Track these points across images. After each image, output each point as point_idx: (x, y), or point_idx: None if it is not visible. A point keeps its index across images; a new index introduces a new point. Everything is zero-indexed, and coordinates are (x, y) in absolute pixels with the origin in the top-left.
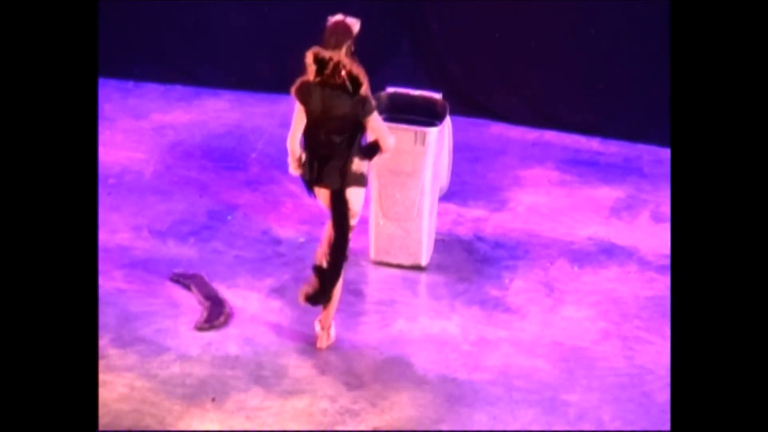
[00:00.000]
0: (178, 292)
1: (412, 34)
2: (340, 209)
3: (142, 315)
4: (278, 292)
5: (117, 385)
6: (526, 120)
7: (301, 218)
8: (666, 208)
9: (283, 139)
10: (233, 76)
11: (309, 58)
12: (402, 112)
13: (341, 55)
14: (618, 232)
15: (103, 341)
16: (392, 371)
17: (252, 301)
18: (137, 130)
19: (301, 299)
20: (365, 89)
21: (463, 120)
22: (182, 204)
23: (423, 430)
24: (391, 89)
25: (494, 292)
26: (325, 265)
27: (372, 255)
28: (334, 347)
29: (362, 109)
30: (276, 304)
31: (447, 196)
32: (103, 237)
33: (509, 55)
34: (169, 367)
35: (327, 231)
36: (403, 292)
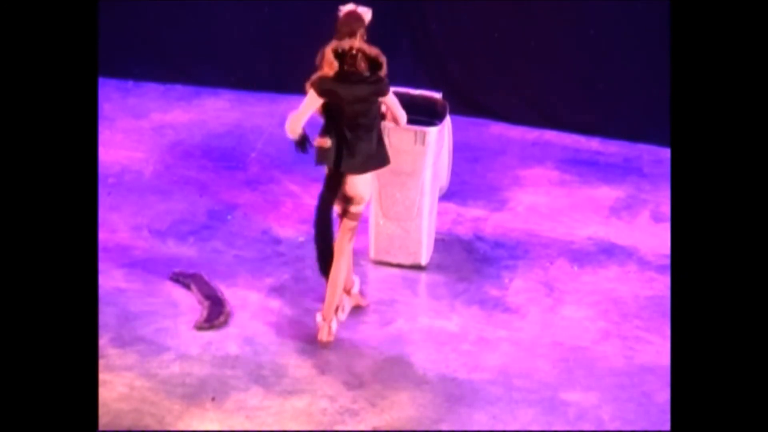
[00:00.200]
0: (178, 292)
1: (412, 34)
2: (341, 191)
3: (141, 314)
4: (278, 291)
5: (117, 385)
6: (526, 120)
7: (300, 218)
8: (666, 208)
9: (283, 139)
10: (233, 76)
11: (329, 54)
12: None
13: (358, 42)
14: (618, 232)
15: (103, 341)
16: (392, 371)
17: (252, 301)
18: (137, 130)
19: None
20: (384, 70)
21: (463, 120)
22: (182, 203)
23: (423, 429)
24: (391, 89)
25: (494, 292)
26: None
27: (372, 254)
28: (334, 347)
29: (381, 88)
30: (276, 303)
31: (447, 196)
32: (103, 236)
33: (509, 54)
34: (169, 366)
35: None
36: (403, 292)
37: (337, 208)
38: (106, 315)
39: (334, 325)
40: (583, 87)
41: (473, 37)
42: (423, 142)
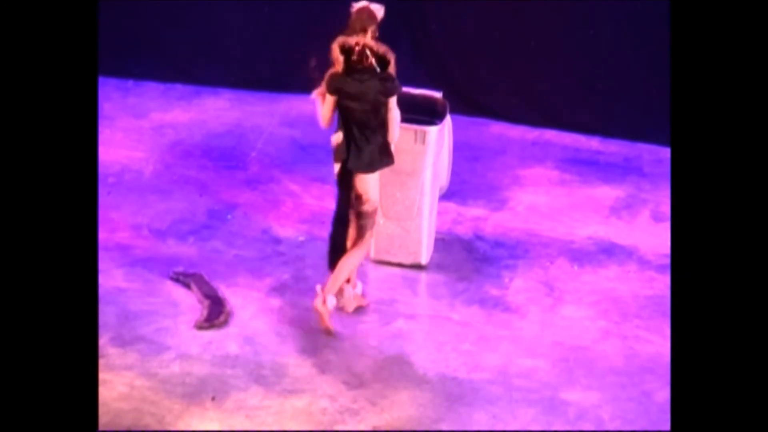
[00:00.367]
0: (178, 291)
1: (412, 34)
2: (352, 189)
3: (142, 314)
4: (278, 291)
5: (117, 384)
6: (526, 119)
7: (300, 217)
8: (666, 208)
9: (283, 138)
10: (233, 75)
11: (335, 50)
12: (402, 111)
13: (367, 39)
14: (618, 232)
15: (103, 340)
16: (392, 370)
17: (252, 300)
18: (137, 129)
19: None
20: (392, 67)
21: (463, 119)
22: (182, 203)
23: (423, 429)
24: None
25: (494, 292)
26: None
27: (372, 254)
28: (334, 346)
29: (386, 87)
30: (276, 303)
31: (447, 195)
32: (103, 236)
33: (509, 54)
34: (169, 366)
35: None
36: (403, 291)
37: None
38: (106, 314)
39: (331, 301)
40: (583, 86)
41: (473, 37)
42: (423, 142)
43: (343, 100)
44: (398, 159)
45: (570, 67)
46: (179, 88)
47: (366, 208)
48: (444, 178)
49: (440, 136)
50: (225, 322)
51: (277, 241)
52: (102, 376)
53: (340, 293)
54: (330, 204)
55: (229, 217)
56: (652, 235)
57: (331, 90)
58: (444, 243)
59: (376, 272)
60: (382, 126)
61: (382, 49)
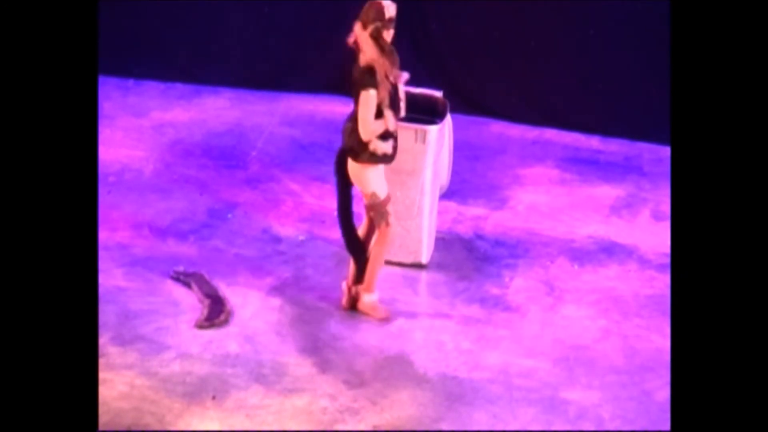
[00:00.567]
0: (179, 291)
1: (412, 34)
2: (346, 177)
3: (142, 313)
4: (278, 290)
5: (117, 384)
6: (526, 118)
7: (301, 216)
8: (666, 207)
9: (284, 138)
10: (233, 75)
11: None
12: None
13: (360, 32)
14: (618, 231)
15: (103, 339)
16: (392, 369)
17: (252, 300)
18: (137, 128)
19: None
20: (363, 59)
21: (463, 118)
22: (182, 202)
23: (423, 428)
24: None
25: (494, 291)
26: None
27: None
28: (334, 346)
29: (355, 80)
30: (276, 302)
31: (447, 195)
32: (103, 235)
33: (509, 54)
34: (170, 365)
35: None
36: (404, 291)
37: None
38: (106, 314)
39: (369, 297)
40: (583, 86)
41: (473, 36)
42: (423, 141)
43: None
44: (398, 158)
45: (570, 67)
46: (179, 87)
47: (368, 201)
48: (444, 178)
49: (440, 135)
50: (225, 321)
51: (278, 240)
52: (102, 375)
53: (350, 288)
54: (330, 203)
55: (229, 216)
56: (653, 234)
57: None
58: (444, 242)
59: None
60: (354, 118)
61: (363, 41)
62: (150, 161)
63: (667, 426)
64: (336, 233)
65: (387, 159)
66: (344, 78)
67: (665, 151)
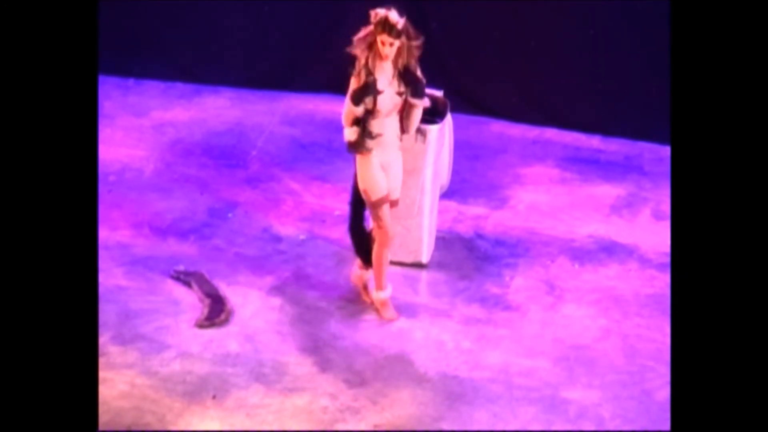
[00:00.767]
0: (179, 290)
1: None
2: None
3: (142, 312)
4: (279, 289)
5: (117, 383)
6: (526, 118)
7: (301, 216)
8: (666, 206)
9: (284, 137)
10: (233, 74)
11: None
12: None
13: (356, 40)
14: (618, 230)
15: (104, 339)
16: (393, 369)
17: (252, 299)
18: (137, 128)
19: None
20: (356, 65)
21: (463, 118)
22: (182, 201)
23: (423, 427)
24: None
25: (495, 290)
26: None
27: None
28: (334, 345)
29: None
30: (276, 301)
31: (447, 194)
32: (104, 234)
33: (510, 53)
34: (170, 364)
35: None
36: (404, 290)
37: None
38: (106, 313)
39: (379, 295)
40: (584, 85)
41: (473, 36)
42: (424, 140)
43: None
44: None
45: (570, 66)
46: (180, 86)
47: (364, 197)
48: (445, 177)
49: (441, 134)
50: (226, 321)
51: (278, 239)
52: (102, 374)
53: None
54: (330, 202)
55: (229, 215)
56: (653, 233)
57: None
58: (445, 241)
59: None
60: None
61: (356, 50)
62: (150, 160)
63: (668, 425)
64: (336, 233)
65: (350, 147)
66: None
67: (666, 151)
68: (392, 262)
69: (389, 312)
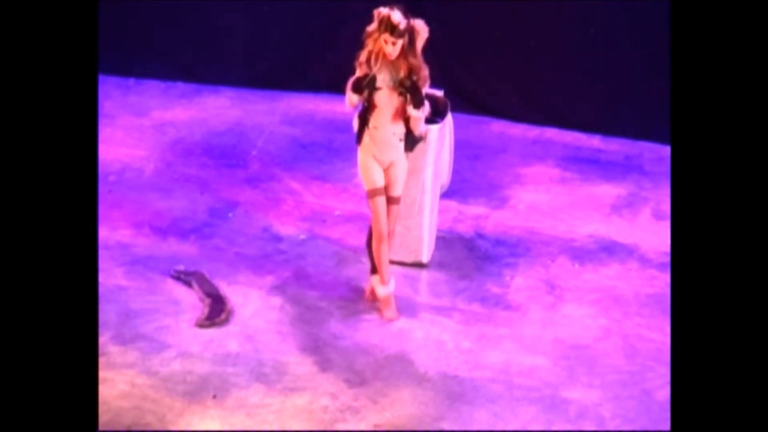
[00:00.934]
0: (179, 290)
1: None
2: None
3: (142, 312)
4: (279, 289)
5: (117, 383)
6: (526, 117)
7: (301, 216)
8: (667, 206)
9: (284, 137)
10: (234, 74)
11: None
12: None
13: (364, 36)
14: (619, 230)
15: (104, 338)
16: (393, 368)
17: (253, 298)
18: (138, 128)
19: None
20: (361, 55)
21: (464, 117)
22: (183, 201)
23: (424, 427)
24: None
25: (495, 290)
26: None
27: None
28: (335, 344)
29: None
30: (277, 301)
31: (448, 194)
32: (104, 234)
33: (510, 53)
34: (170, 364)
35: None
36: (404, 290)
37: None
38: (106, 313)
39: (381, 291)
40: (584, 85)
41: (473, 36)
42: (424, 140)
43: None
44: None
45: (570, 66)
46: (180, 86)
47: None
48: (445, 177)
49: (441, 134)
50: (226, 320)
51: (278, 239)
52: (102, 374)
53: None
54: (330, 202)
55: (230, 215)
56: (653, 233)
57: None
58: (445, 241)
59: None
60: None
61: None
62: (151, 160)
63: (668, 425)
64: (336, 232)
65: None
66: None
67: (666, 151)
68: (393, 262)
69: (390, 312)
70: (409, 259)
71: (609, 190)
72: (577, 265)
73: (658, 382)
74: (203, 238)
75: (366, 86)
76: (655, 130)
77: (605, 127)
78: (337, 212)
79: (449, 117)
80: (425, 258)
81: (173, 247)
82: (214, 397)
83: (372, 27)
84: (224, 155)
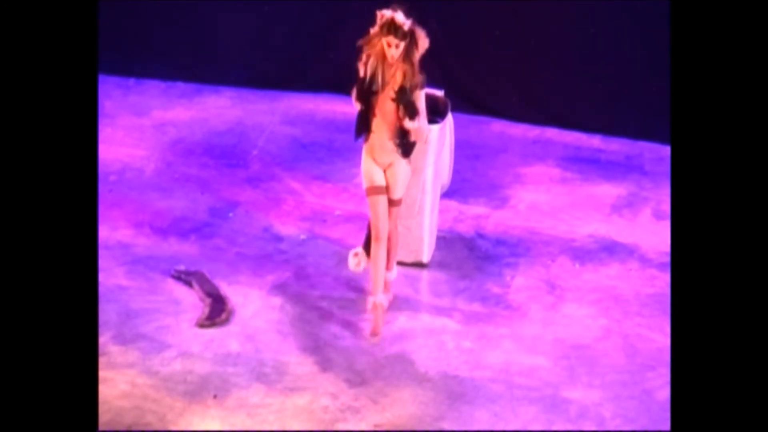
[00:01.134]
0: (180, 289)
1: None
2: None
3: (143, 312)
4: (279, 289)
5: (118, 383)
6: (527, 117)
7: (302, 215)
8: (667, 206)
9: (284, 137)
10: (234, 73)
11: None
12: None
13: (365, 40)
14: (619, 230)
15: (104, 338)
16: (393, 368)
17: (253, 298)
18: (138, 127)
19: None
20: (361, 57)
21: (464, 117)
22: (183, 201)
23: (424, 427)
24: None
25: (495, 290)
26: None
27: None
28: (335, 344)
29: None
30: (277, 301)
31: (448, 194)
32: (104, 234)
33: (510, 53)
34: (171, 364)
35: None
36: (405, 289)
37: None
38: (107, 312)
39: (376, 300)
40: (585, 85)
41: (473, 36)
42: (425, 140)
43: None
44: None
45: (571, 66)
46: (180, 86)
47: None
48: (445, 177)
49: (442, 134)
50: (226, 320)
51: (279, 239)
52: (103, 374)
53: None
54: (330, 202)
55: (230, 215)
56: (654, 233)
57: None
58: (445, 241)
59: None
60: None
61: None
62: (151, 160)
63: (668, 425)
64: (337, 232)
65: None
66: None
67: (666, 150)
68: None
69: (374, 326)
70: (409, 259)
71: (609, 190)
72: (577, 265)
73: (659, 382)
74: (204, 237)
75: (366, 90)
76: (655, 130)
77: (605, 127)
78: (337, 212)
79: (449, 117)
80: (426, 258)
81: (174, 246)
82: (215, 396)
83: (374, 29)
84: (225, 155)
